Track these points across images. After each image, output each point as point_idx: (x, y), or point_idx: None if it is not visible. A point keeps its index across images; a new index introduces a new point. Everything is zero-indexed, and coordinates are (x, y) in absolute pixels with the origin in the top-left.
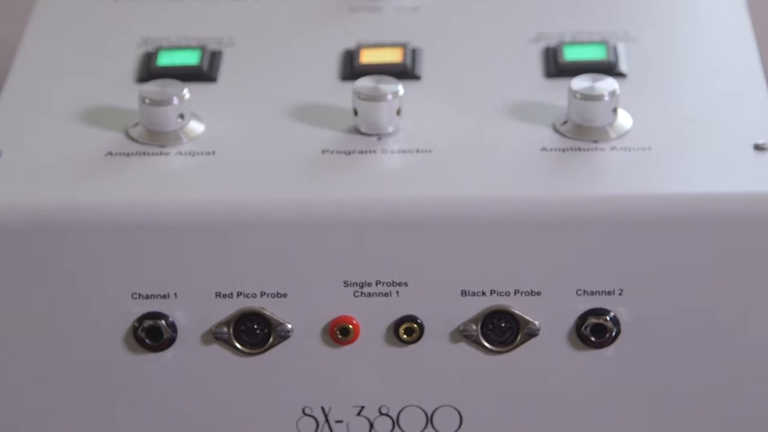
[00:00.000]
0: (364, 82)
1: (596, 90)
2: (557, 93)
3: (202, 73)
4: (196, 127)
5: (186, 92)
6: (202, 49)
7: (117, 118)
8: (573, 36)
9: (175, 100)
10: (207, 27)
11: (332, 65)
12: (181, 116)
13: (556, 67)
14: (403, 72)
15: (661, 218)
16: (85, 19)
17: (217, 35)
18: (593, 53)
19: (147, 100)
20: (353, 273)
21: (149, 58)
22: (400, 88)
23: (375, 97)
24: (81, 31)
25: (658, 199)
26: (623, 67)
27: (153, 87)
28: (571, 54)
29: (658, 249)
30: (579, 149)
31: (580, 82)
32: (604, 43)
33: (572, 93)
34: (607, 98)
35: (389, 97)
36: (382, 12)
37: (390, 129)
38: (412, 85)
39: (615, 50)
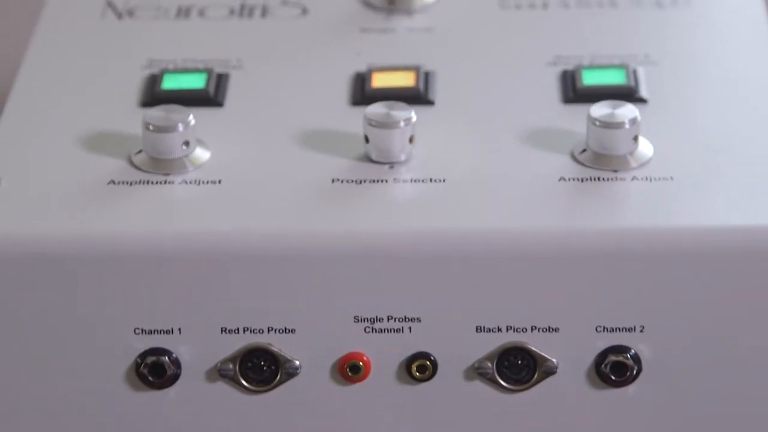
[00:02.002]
0: (376, 109)
1: (616, 117)
2: (575, 119)
3: (209, 98)
4: (201, 154)
5: (191, 118)
6: (209, 72)
7: (120, 144)
8: (591, 59)
9: (180, 127)
10: (214, 48)
11: (342, 89)
12: (186, 143)
13: (574, 92)
14: (416, 97)
15: (685, 252)
16: (88, 39)
17: (224, 57)
18: (612, 77)
19: (151, 127)
20: (364, 308)
21: (154, 81)
22: (413, 114)
23: (387, 124)
24: (84, 51)
25: (681, 232)
26: (643, 92)
27: (157, 113)
28: (590, 78)
29: (681, 284)
30: (598, 179)
31: (599, 110)
32: (623, 67)
33: (591, 120)
34: (627, 126)
35: (401, 124)
36: (394, 33)
37: (402, 157)
38: (426, 110)
39: (635, 74)
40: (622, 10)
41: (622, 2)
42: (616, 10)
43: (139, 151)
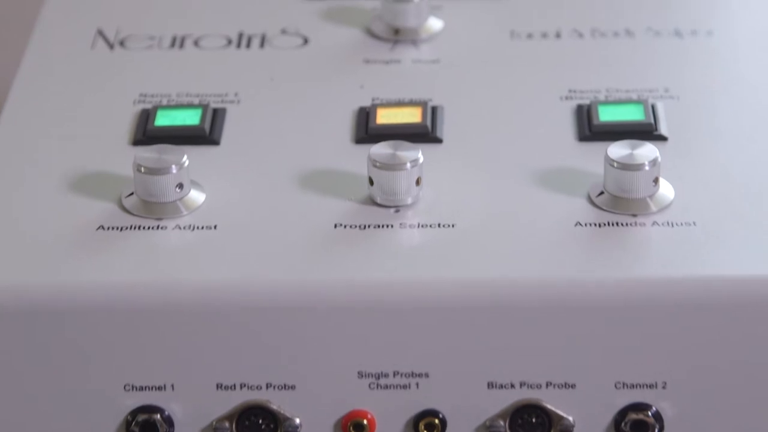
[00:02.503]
0: (381, 149)
1: (635, 159)
2: (591, 158)
3: (204, 135)
4: (196, 197)
5: (185, 159)
6: (204, 107)
7: (110, 186)
8: (607, 93)
9: (174, 169)
10: (210, 81)
11: (345, 125)
12: (180, 186)
13: (590, 129)
14: (423, 134)
15: (709, 303)
16: (78, 71)
17: (221, 91)
18: (630, 114)
19: (142, 169)
20: (368, 362)
21: (146, 118)
22: (420, 155)
23: (392, 166)
24: (72, 85)
25: (705, 282)
26: (663, 129)
27: (149, 153)
28: (606, 114)
29: (706, 336)
30: (616, 224)
31: (617, 150)
32: (641, 102)
33: (609, 161)
34: (647, 168)
35: (408, 165)
36: (399, 65)
37: (409, 200)
38: (433, 149)
39: (653, 110)
40: (639, 40)
41: (639, 32)
42: (633, 40)
43: (130, 194)
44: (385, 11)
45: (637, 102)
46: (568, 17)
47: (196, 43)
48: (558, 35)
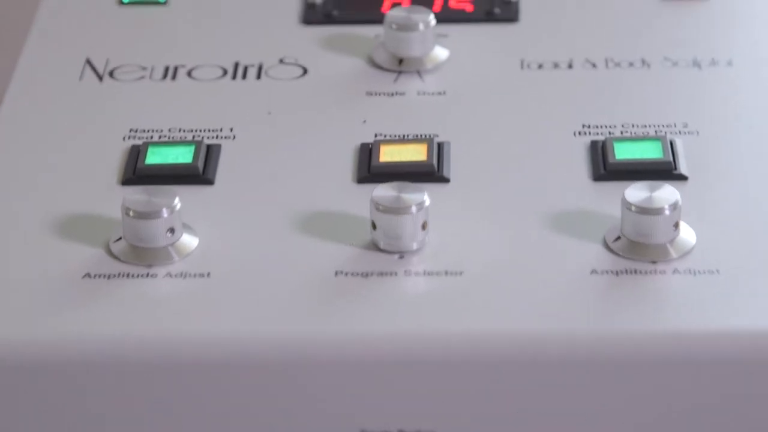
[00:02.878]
0: (384, 192)
1: (655, 202)
2: (608, 199)
3: (197, 174)
4: (188, 242)
5: (177, 202)
6: (197, 144)
7: (97, 229)
8: (623, 128)
9: (164, 212)
10: (204, 115)
11: (347, 163)
12: (171, 230)
13: (606, 167)
14: (429, 173)
15: (735, 359)
16: (65, 104)
17: (215, 125)
18: (648, 151)
19: (131, 212)
20: (372, 420)
21: (136, 155)
22: (426, 198)
23: (397, 210)
24: (59, 119)
25: (731, 337)
26: (683, 167)
27: (138, 196)
28: (623, 152)
29: (734, 393)
30: (635, 272)
31: (635, 193)
32: (659, 138)
33: (626, 205)
34: (667, 212)
35: (413, 209)
36: (403, 97)
37: (414, 246)
38: (440, 189)
39: (672, 147)
40: (655, 71)
41: (655, 62)
42: (650, 70)
43: (119, 239)
44: (388, 40)
45: (655, 138)
46: (580, 46)
47: (189, 73)
48: (570, 65)
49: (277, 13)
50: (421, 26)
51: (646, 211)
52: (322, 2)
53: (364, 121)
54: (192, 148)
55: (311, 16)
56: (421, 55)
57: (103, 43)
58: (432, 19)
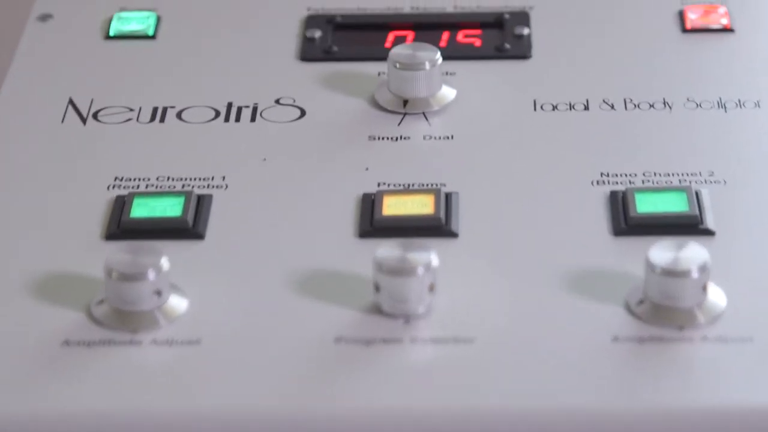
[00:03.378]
0: (388, 251)
1: (681, 264)
2: (629, 256)
3: (187, 228)
4: (177, 304)
5: (164, 262)
6: (187, 195)
7: (78, 290)
8: (645, 177)
9: (151, 274)
10: (194, 162)
11: (348, 215)
12: (158, 293)
13: (627, 221)
14: (436, 227)
15: None
16: (45, 149)
17: (207, 173)
18: (672, 203)
19: (114, 274)
20: None
21: (121, 207)
22: (434, 257)
23: (402, 271)
24: (39, 166)
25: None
26: (709, 221)
27: (122, 255)
28: (645, 204)
29: None
30: (660, 339)
31: (659, 253)
32: (683, 189)
33: (650, 266)
34: (695, 275)
35: (420, 270)
36: (409, 142)
37: (420, 309)
38: (448, 245)
39: (698, 198)
40: (678, 113)
41: (677, 102)
42: (671, 113)
43: (101, 301)
44: (391, 79)
45: (679, 189)
46: (597, 85)
47: (179, 115)
48: (586, 106)
49: (273, 48)
50: (427, 65)
51: (672, 273)
52: (321, 37)
53: (367, 169)
54: (181, 200)
55: (310, 53)
56: (427, 95)
57: (87, 81)
58: (438, 57)
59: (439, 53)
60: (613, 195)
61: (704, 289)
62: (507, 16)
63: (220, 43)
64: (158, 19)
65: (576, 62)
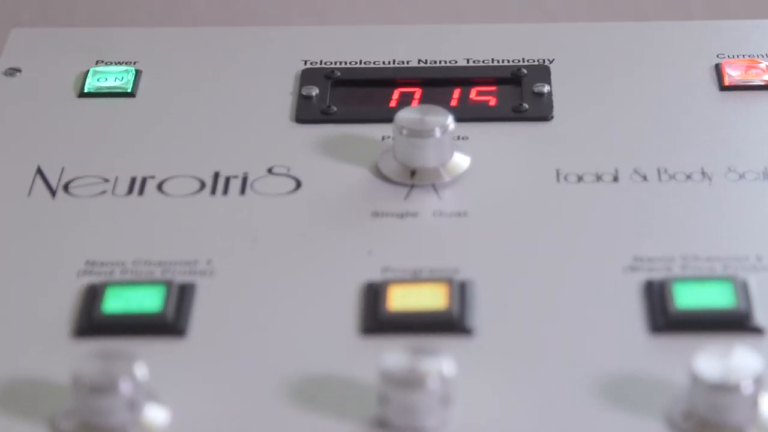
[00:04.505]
0: (395, 358)
1: (731, 375)
2: (669, 357)
3: (166, 324)
4: (154, 418)
5: (140, 369)
6: (168, 284)
7: (42, 399)
8: (684, 262)
9: (123, 386)
10: (176, 243)
11: (349, 308)
12: (133, 406)
13: (665, 316)
14: (449, 323)
15: None
16: (9, 227)
17: (190, 257)
18: (716, 296)
19: (82, 384)
20: None
21: (92, 298)
22: (446, 365)
23: (411, 382)
24: (1, 247)
25: None
26: (759, 316)
27: (91, 364)
28: (686, 297)
29: None
30: None
31: (705, 362)
32: (729, 279)
33: (695, 378)
34: (748, 390)
35: (431, 383)
36: (417, 219)
37: (433, 423)
38: (462, 344)
39: (745, 289)
40: (719, 185)
41: (718, 173)
42: (711, 185)
43: (68, 414)
44: (398, 147)
45: (724, 279)
46: (626, 151)
47: (159, 187)
48: (615, 177)
49: (265, 108)
50: (438, 132)
51: (720, 387)
52: (318, 95)
53: (370, 252)
54: (161, 291)
55: (306, 113)
56: (438, 165)
57: (57, 146)
58: (450, 122)
59: (451, 117)
60: (649, 286)
61: (756, 403)
62: (525, 71)
63: (207, 102)
64: (138, 74)
65: (602, 125)
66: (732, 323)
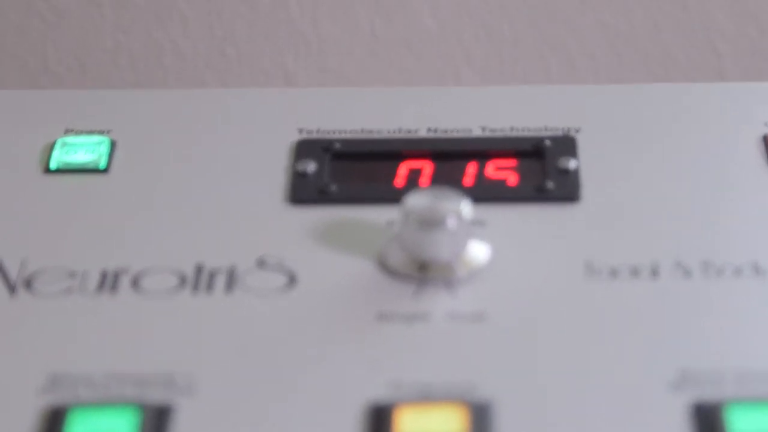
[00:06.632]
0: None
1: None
2: None
3: None
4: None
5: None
6: (143, 407)
7: None
8: (737, 377)
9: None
10: (151, 353)
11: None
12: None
13: None
14: None
15: None
16: None
17: (167, 370)
18: None
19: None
20: None
21: (53, 423)
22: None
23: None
24: None
25: None
26: None
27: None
28: (743, 424)
29: None
30: None
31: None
32: None
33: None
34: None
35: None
36: (427, 324)
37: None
38: None
39: None
40: None
41: None
42: (765, 281)
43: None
44: (406, 236)
45: None
46: (666, 240)
47: (134, 282)
48: (655, 271)
49: (255, 186)
50: (451, 222)
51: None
52: (316, 172)
53: (374, 365)
54: (134, 416)
55: (302, 193)
56: (451, 257)
57: (19, 235)
58: (466, 208)
59: (465, 202)
60: (698, 410)
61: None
62: (548, 142)
63: (189, 179)
64: (112, 145)
65: (637, 206)
66: None
